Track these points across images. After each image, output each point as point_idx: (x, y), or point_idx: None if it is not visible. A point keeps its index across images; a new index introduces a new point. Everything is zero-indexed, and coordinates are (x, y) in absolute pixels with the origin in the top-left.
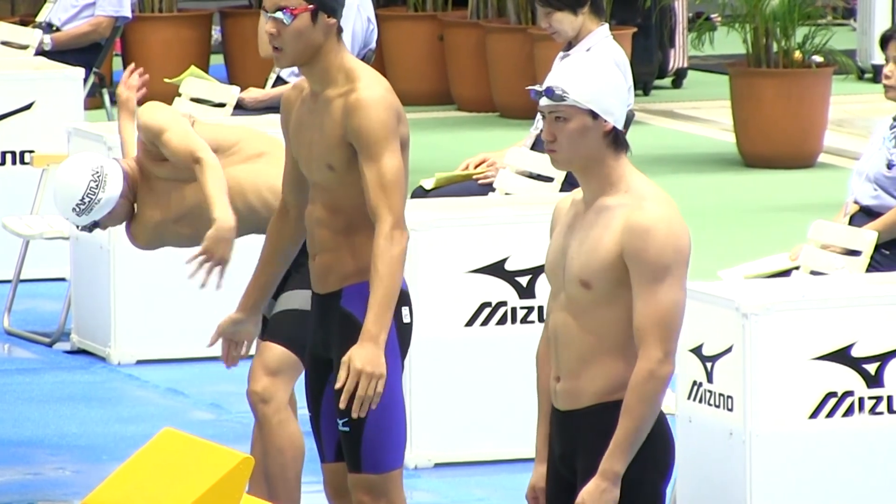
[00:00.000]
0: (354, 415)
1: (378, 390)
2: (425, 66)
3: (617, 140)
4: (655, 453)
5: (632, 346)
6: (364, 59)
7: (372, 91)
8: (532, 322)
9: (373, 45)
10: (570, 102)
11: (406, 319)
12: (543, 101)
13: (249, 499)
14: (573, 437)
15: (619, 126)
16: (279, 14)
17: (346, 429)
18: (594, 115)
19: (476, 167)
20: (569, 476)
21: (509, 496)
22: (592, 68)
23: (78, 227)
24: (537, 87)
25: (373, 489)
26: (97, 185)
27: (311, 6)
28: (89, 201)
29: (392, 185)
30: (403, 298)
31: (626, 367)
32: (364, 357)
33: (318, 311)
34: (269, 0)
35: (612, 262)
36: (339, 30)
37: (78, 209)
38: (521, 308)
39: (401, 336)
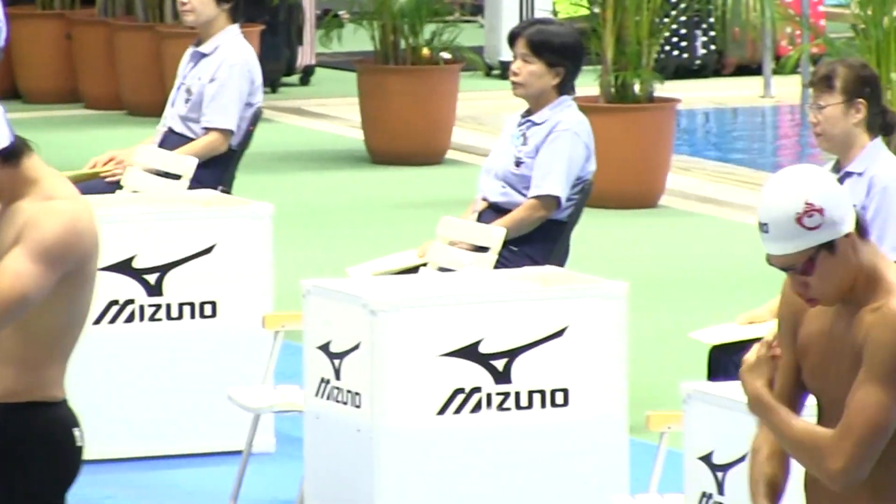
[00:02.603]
0: None
1: None
2: (53, 64)
3: (7, 158)
4: (58, 464)
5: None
6: None
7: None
8: (160, 320)
9: (2, 43)
10: None
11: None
12: None
13: None
14: None
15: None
16: None
17: None
18: None
19: (104, 165)
20: None
21: None
22: None
23: None
24: None
25: None
26: None
27: None
28: None
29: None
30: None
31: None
32: None
33: None
34: None
35: None
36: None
37: None
38: (149, 306)
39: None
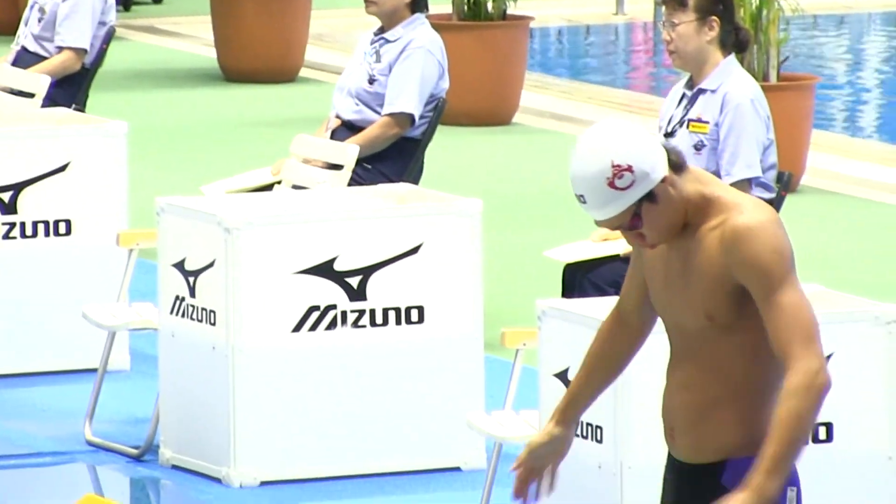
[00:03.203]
0: None
1: None
2: None
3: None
4: None
5: None
6: None
7: None
8: (14, 238)
9: None
10: None
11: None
12: None
13: None
14: None
15: None
16: None
17: None
18: None
19: None
20: None
21: None
22: None
23: None
24: None
25: None
26: None
27: None
28: None
29: None
30: None
31: None
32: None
33: None
34: None
35: None
36: None
37: None
38: (2, 224)
39: None
